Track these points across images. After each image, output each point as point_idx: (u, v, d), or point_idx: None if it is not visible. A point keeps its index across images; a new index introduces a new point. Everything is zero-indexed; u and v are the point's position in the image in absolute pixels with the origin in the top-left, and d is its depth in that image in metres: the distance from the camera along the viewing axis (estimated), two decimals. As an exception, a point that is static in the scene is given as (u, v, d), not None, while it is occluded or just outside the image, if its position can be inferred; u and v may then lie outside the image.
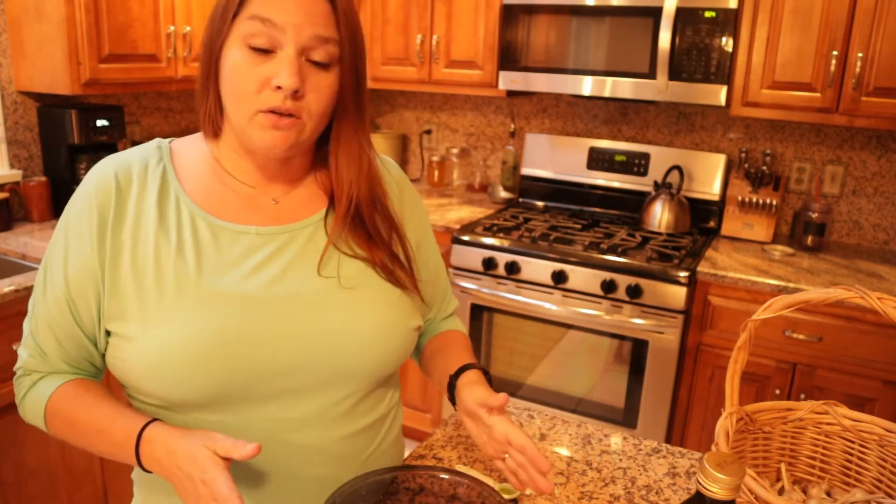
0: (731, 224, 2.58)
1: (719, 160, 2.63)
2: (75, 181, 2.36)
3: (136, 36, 2.30)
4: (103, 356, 0.88)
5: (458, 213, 2.76)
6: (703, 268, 2.20)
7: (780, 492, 1.00)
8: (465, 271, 2.51)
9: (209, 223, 0.86)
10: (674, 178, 2.66)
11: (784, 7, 2.19)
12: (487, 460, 1.10)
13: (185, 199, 0.86)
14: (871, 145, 2.49)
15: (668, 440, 2.36)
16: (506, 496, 0.96)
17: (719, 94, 2.27)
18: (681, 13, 2.25)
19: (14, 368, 0.91)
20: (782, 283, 2.09)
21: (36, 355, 0.87)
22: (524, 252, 2.39)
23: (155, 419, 0.81)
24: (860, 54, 2.11)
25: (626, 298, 2.25)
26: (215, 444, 0.75)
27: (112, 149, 2.40)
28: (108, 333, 0.84)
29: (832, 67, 2.15)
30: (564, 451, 1.15)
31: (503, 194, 2.99)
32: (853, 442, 0.98)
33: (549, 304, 2.37)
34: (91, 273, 0.82)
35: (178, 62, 2.46)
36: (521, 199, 3.01)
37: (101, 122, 2.36)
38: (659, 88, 2.33)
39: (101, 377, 0.92)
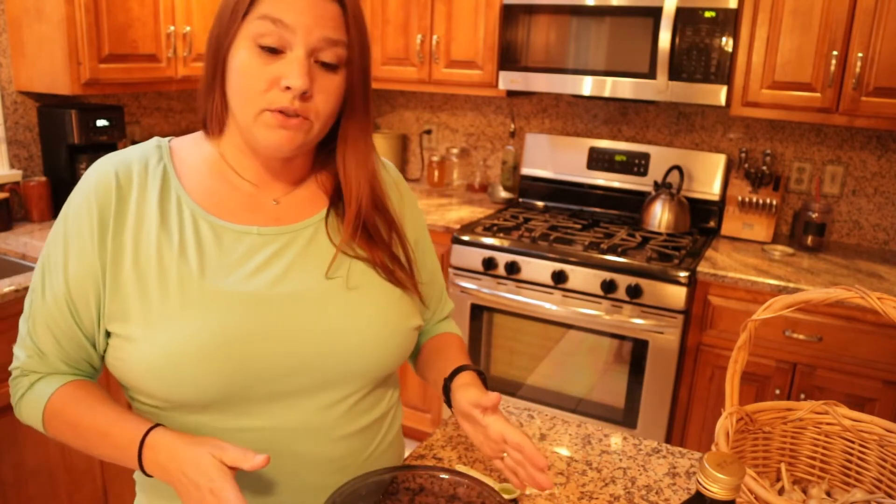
0: (731, 224, 2.58)
1: (719, 160, 2.63)
2: (75, 181, 2.34)
3: (136, 36, 2.30)
4: (101, 357, 0.88)
5: (458, 213, 2.76)
6: (703, 268, 2.20)
7: (780, 492, 1.00)
8: (465, 271, 2.51)
9: (211, 223, 0.86)
10: (674, 178, 2.66)
11: (784, 7, 2.19)
12: (487, 460, 1.10)
13: (187, 198, 0.86)
14: (871, 145, 2.49)
15: (668, 440, 2.36)
16: (506, 496, 0.96)
17: (719, 94, 2.27)
18: (681, 13, 2.25)
19: (10, 369, 0.90)
20: (782, 283, 2.09)
21: (34, 356, 0.87)
22: (524, 252, 2.39)
23: (158, 424, 0.81)
24: (860, 54, 2.11)
25: (626, 298, 2.25)
26: (223, 453, 0.75)
27: (112, 149, 2.40)
28: (107, 334, 0.84)
29: (832, 67, 2.15)
30: (564, 451, 1.15)
31: (503, 194, 2.99)
32: (853, 442, 0.98)
33: (549, 304, 2.37)
34: (92, 273, 0.82)
35: (178, 62, 2.46)
36: (521, 199, 3.01)
37: (101, 122, 2.36)
38: (659, 88, 2.33)
39: (97, 377, 0.92)
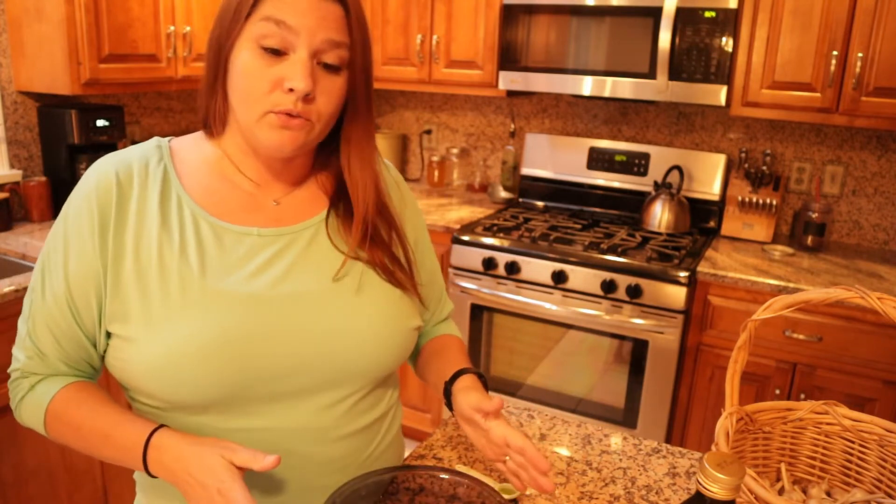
0: (731, 224, 2.58)
1: (719, 160, 2.63)
2: (75, 181, 2.34)
3: (136, 36, 2.30)
4: (101, 357, 0.87)
5: (458, 213, 2.76)
6: (703, 268, 2.20)
7: (780, 492, 1.00)
8: (465, 271, 2.51)
9: (211, 224, 0.86)
10: (674, 178, 2.66)
11: (784, 7, 2.19)
12: (488, 461, 1.10)
13: (187, 199, 0.86)
14: (871, 145, 2.49)
15: (668, 440, 2.36)
16: (506, 496, 0.96)
17: (719, 94, 2.27)
18: (681, 13, 2.25)
19: (9, 371, 0.89)
20: (782, 283, 2.09)
21: (34, 357, 0.86)
22: (524, 252, 2.39)
23: (162, 425, 0.81)
24: (860, 54, 2.11)
25: (626, 298, 2.25)
26: (233, 454, 0.75)
27: (112, 149, 2.40)
28: (108, 335, 0.84)
29: (832, 67, 2.15)
30: (564, 451, 1.15)
31: (503, 194, 2.99)
32: (853, 442, 0.98)
33: (549, 304, 2.37)
34: (93, 273, 0.82)
35: (178, 62, 2.46)
36: (521, 199, 3.01)
37: (101, 122, 2.36)
38: (659, 88, 2.33)
39: (97, 378, 0.92)
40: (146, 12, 2.32)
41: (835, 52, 2.15)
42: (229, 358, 0.80)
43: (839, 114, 2.19)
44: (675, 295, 2.19)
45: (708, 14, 2.23)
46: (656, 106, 2.79)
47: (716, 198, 2.64)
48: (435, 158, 3.20)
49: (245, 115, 0.83)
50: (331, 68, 0.82)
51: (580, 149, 2.85)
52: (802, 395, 2.13)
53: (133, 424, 0.81)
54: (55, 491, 1.94)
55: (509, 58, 2.58)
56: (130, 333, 0.81)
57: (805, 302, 0.87)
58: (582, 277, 2.31)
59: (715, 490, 0.61)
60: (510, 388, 2.55)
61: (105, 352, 0.86)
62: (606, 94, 2.44)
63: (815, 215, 2.44)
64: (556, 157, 2.90)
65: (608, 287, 2.26)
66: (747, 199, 2.53)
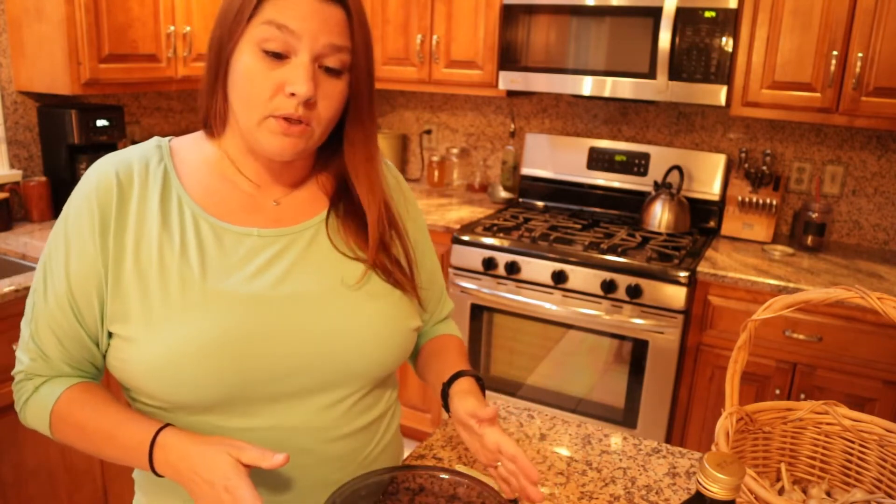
0: (731, 224, 2.58)
1: (719, 160, 2.63)
2: (75, 181, 2.34)
3: (136, 36, 2.30)
4: (104, 357, 0.87)
5: (458, 213, 2.76)
6: (703, 268, 2.20)
7: (780, 492, 1.00)
8: (465, 271, 2.51)
9: (211, 224, 0.86)
10: (674, 178, 2.66)
11: (784, 7, 2.19)
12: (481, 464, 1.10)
13: (188, 199, 0.86)
14: (871, 145, 2.49)
15: (668, 440, 2.36)
16: (506, 496, 0.96)
17: (719, 94, 2.27)
18: (681, 13, 2.25)
19: (13, 373, 0.89)
20: (782, 283, 2.09)
21: (38, 358, 0.86)
22: (524, 252, 2.39)
23: (168, 424, 0.81)
24: (860, 54, 2.11)
25: (626, 298, 2.25)
26: (241, 452, 0.75)
27: (112, 149, 2.40)
28: (109, 335, 0.84)
29: (832, 67, 2.15)
30: (564, 451, 1.15)
31: (503, 194, 2.99)
32: (853, 442, 0.98)
33: (549, 304, 2.37)
34: (94, 273, 0.82)
35: (178, 62, 2.46)
36: (521, 199, 3.01)
37: (101, 122, 2.36)
38: (659, 88, 2.33)
39: (101, 378, 0.92)
40: (146, 12, 2.32)
41: (835, 52, 2.15)
42: (229, 358, 0.80)
43: (839, 114, 2.19)
44: (675, 295, 2.19)
45: (708, 14, 2.23)
46: (656, 106, 2.79)
47: (716, 198, 2.64)
48: (435, 158, 3.20)
49: (246, 118, 0.82)
50: (332, 72, 0.82)
51: (580, 149, 2.85)
52: (802, 395, 2.13)
53: (138, 424, 0.81)
54: (55, 491, 1.94)
55: (509, 58, 2.58)
56: (131, 334, 0.81)
57: (805, 302, 0.87)
58: (582, 277, 2.31)
59: (715, 490, 0.61)
60: (510, 388, 2.55)
61: (106, 352, 0.86)
62: (606, 94, 2.44)
63: (815, 215, 2.44)
64: (556, 157, 2.90)
65: (608, 287, 2.26)
66: (747, 199, 2.53)
